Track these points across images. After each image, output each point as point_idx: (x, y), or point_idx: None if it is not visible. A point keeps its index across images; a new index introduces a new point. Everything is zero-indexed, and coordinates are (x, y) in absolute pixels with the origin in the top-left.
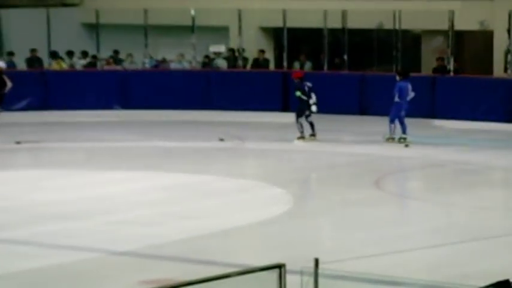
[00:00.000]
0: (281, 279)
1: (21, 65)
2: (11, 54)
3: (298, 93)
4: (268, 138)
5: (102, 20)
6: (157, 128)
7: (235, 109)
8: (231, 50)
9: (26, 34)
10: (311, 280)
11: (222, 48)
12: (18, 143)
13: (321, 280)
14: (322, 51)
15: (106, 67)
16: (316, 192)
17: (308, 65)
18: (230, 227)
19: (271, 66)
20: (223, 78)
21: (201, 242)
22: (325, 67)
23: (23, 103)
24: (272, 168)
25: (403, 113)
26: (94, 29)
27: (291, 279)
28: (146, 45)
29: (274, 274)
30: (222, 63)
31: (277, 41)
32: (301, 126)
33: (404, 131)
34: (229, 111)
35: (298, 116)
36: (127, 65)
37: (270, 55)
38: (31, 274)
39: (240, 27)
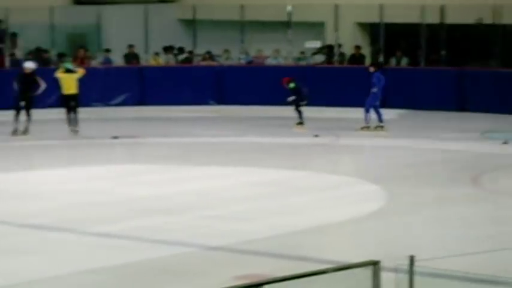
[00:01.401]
0: (376, 276)
1: (118, 61)
2: (107, 51)
3: (292, 85)
4: (364, 134)
5: (198, 16)
6: (252, 124)
7: (331, 105)
8: (328, 46)
9: (124, 30)
10: (406, 278)
11: (317, 44)
12: (115, 137)
13: (416, 278)
14: (419, 47)
15: (202, 63)
16: (411, 189)
17: (404, 61)
18: (323, 223)
19: (367, 62)
20: (318, 74)
21: (295, 238)
22: (422, 63)
23: (120, 98)
24: (367, 165)
25: (378, 102)
26: (191, 25)
27: (385, 277)
28: (242, 41)
29: (368, 271)
30: (319, 59)
31: (373, 37)
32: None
33: (380, 119)
34: (324, 107)
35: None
36: (223, 61)
37: (366, 51)
38: (128, 268)
39: (336, 23)
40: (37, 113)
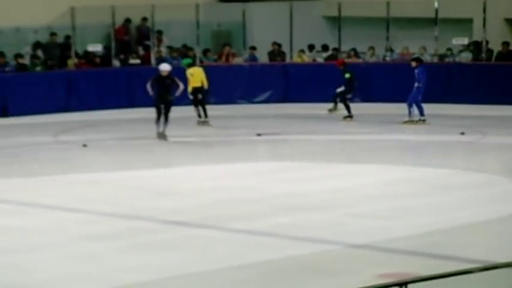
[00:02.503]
0: None
1: (263, 58)
2: (252, 48)
3: (348, 75)
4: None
5: (343, 13)
6: (395, 121)
7: (477, 103)
8: (475, 43)
9: (269, 27)
10: None
11: (465, 41)
12: (259, 135)
13: None
14: None
15: (347, 60)
16: None
17: None
18: (469, 222)
19: None
20: (465, 71)
21: (439, 237)
22: None
23: (265, 96)
24: None
25: (420, 97)
26: (336, 22)
27: None
28: (387, 38)
29: None
30: (466, 57)
31: None
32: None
33: (422, 113)
34: (471, 105)
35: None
36: (368, 58)
37: None
38: (269, 265)
39: (484, 19)
40: (179, 110)
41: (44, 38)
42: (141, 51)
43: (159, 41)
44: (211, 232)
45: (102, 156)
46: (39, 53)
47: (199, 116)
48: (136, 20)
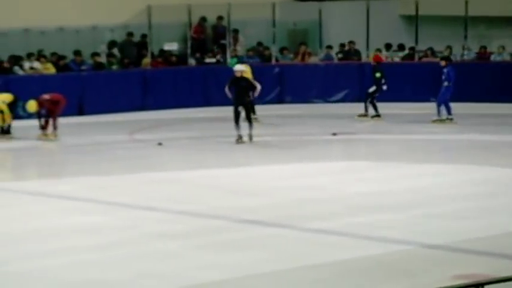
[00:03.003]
0: None
1: (338, 58)
2: (329, 47)
3: (379, 74)
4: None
5: (421, 12)
6: (471, 122)
7: None
8: None
9: (345, 26)
10: None
11: None
12: (334, 134)
13: None
14: None
15: (424, 59)
16: None
17: None
18: None
19: None
20: None
21: None
22: None
23: (340, 95)
24: None
25: (449, 96)
26: (413, 20)
27: None
28: (465, 37)
29: None
30: None
31: None
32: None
33: (449, 112)
34: None
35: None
36: None
37: None
38: (343, 265)
39: None
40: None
41: (120, 36)
42: (217, 50)
43: (235, 39)
44: (286, 231)
45: (177, 154)
46: (115, 51)
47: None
48: (212, 19)
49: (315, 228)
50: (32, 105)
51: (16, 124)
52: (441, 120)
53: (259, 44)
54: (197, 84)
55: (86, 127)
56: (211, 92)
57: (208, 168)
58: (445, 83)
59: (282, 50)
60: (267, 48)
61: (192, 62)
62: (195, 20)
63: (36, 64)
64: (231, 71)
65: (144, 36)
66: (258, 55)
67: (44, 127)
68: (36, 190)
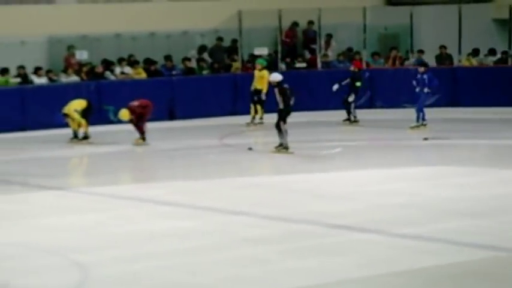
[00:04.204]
0: None
1: (430, 62)
2: (420, 52)
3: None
4: None
5: None
6: None
7: None
8: None
9: (436, 31)
10: None
11: None
12: (425, 139)
13: None
14: None
15: None
16: None
17: None
18: None
19: None
20: None
21: None
22: None
23: (432, 100)
24: None
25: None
26: (506, 24)
27: None
28: None
29: None
30: None
31: None
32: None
33: (423, 118)
34: None
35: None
36: None
37: None
38: (435, 271)
39: None
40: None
41: (210, 41)
42: (307, 55)
43: (328, 44)
44: (374, 237)
45: (266, 159)
46: (206, 56)
47: (253, 117)
48: (302, 24)
49: (405, 233)
50: (125, 114)
51: (106, 129)
52: (418, 127)
53: (350, 49)
54: None
55: (177, 132)
56: (301, 97)
57: (297, 173)
58: (425, 89)
59: (373, 55)
60: (357, 52)
61: (282, 67)
62: (285, 25)
63: (127, 69)
64: (320, 75)
65: (234, 41)
66: (348, 60)
67: (142, 132)
68: (129, 195)
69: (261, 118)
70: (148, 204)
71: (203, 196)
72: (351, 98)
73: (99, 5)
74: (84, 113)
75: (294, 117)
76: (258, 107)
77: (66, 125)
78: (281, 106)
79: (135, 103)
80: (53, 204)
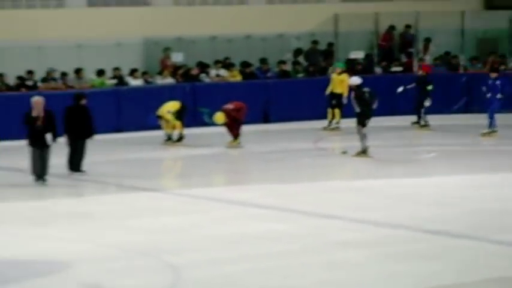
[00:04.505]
0: None
1: None
2: None
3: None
4: None
5: None
6: None
7: None
8: None
9: None
10: None
11: None
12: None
13: None
14: None
15: None
16: None
17: None
18: None
19: None
20: None
21: None
22: None
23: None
24: None
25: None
26: None
27: None
28: None
29: None
30: None
31: None
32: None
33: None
34: None
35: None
36: None
37: None
38: None
39: None
40: (444, 118)
41: (306, 44)
42: (403, 59)
43: (426, 48)
44: (475, 243)
45: (360, 163)
46: (301, 59)
47: (330, 122)
48: (399, 27)
49: (501, 240)
50: (220, 117)
51: (201, 131)
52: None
53: (447, 53)
54: (383, 93)
55: (271, 135)
56: (397, 101)
57: (393, 177)
58: (499, 95)
59: (471, 60)
60: (455, 57)
61: (378, 70)
62: (382, 28)
63: (223, 71)
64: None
65: (330, 44)
66: (445, 64)
67: (236, 135)
68: (222, 197)
69: (337, 123)
70: (241, 207)
71: (296, 199)
72: (428, 103)
73: (195, 7)
74: (178, 115)
75: (389, 121)
76: (336, 111)
77: (159, 127)
78: (357, 110)
79: (230, 106)
80: (147, 206)
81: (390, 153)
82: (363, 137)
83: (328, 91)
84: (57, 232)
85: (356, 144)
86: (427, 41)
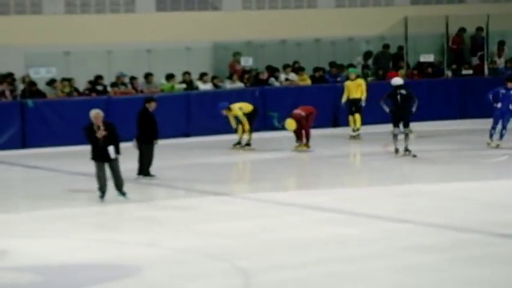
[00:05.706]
0: None
1: None
2: None
3: None
4: None
5: None
6: None
7: None
8: None
9: None
10: None
11: None
12: None
13: None
14: None
15: None
16: None
17: None
18: None
19: None
20: None
21: None
22: None
23: None
24: None
25: None
26: None
27: None
28: None
29: None
30: None
31: None
32: None
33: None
34: None
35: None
36: None
37: None
38: None
39: None
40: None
41: (376, 48)
42: (474, 62)
43: (501, 51)
44: None
45: (431, 167)
46: (370, 63)
47: (353, 130)
48: (470, 30)
49: None
50: (291, 124)
51: (271, 136)
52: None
53: None
54: (453, 96)
55: (340, 139)
56: (468, 104)
57: (462, 181)
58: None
59: None
60: None
61: (448, 73)
62: (452, 31)
63: (292, 75)
64: (487, 82)
65: (400, 48)
66: None
67: (301, 139)
68: (292, 201)
69: (358, 129)
70: (311, 211)
71: (366, 203)
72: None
73: (264, 11)
74: (249, 118)
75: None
76: (357, 117)
77: (227, 131)
78: (386, 110)
79: (299, 111)
80: (217, 210)
81: (462, 157)
82: (393, 138)
83: (344, 99)
84: (127, 237)
85: (425, 148)
86: (501, 44)
